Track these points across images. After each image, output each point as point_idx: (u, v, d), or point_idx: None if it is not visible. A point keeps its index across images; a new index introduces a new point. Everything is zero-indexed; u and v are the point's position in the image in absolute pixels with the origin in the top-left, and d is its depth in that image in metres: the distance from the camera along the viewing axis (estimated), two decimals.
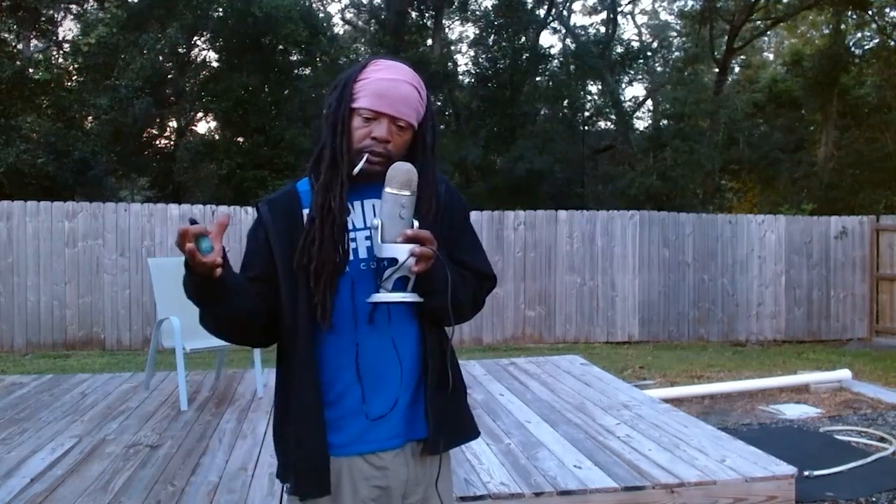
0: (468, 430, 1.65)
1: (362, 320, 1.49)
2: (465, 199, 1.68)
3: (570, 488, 3.17)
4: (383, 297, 1.43)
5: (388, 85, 1.48)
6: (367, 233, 1.51)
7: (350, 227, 1.51)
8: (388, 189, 1.40)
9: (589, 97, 20.31)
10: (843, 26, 18.20)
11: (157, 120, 16.55)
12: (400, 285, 1.43)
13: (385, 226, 1.40)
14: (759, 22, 20.00)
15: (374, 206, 1.52)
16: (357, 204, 1.53)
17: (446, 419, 1.55)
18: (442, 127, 20.27)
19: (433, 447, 1.53)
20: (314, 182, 1.52)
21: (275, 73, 15.14)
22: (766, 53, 28.22)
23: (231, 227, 8.82)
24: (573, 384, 5.41)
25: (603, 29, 21.08)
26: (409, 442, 1.54)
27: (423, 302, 1.46)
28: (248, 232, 1.61)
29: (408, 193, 1.40)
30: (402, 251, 1.39)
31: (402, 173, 1.40)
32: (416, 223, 1.43)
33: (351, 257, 1.50)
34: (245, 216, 8.89)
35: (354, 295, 1.48)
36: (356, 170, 1.46)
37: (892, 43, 17.72)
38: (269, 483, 3.29)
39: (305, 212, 1.52)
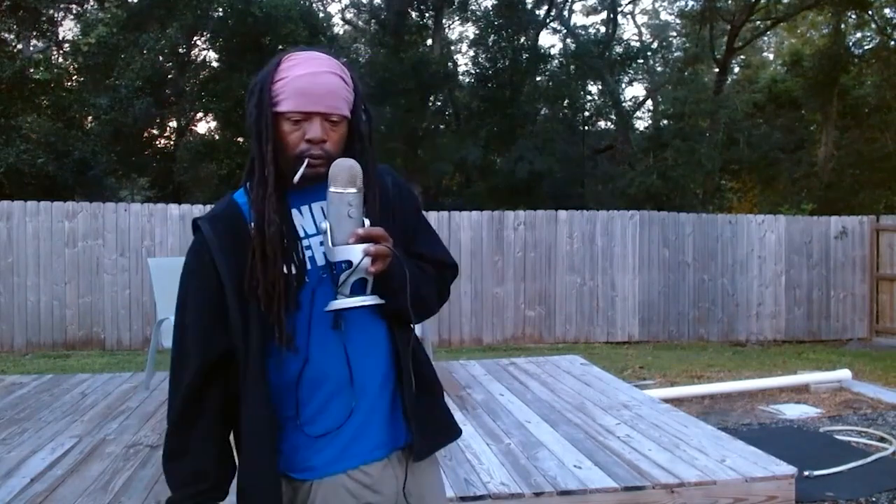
0: (451, 430, 1.58)
1: (320, 332, 1.38)
2: (413, 188, 1.64)
3: (570, 488, 3.17)
4: (341, 303, 1.33)
5: (309, 80, 1.35)
6: (320, 238, 1.41)
7: (301, 234, 1.42)
8: (332, 188, 1.31)
9: (589, 97, 20.31)
10: (843, 26, 18.20)
11: (157, 120, 16.54)
12: (358, 289, 1.35)
13: (334, 228, 1.32)
14: (759, 22, 20.00)
15: (322, 208, 1.42)
16: (305, 209, 1.44)
17: (428, 421, 1.48)
18: (442, 127, 20.31)
19: (420, 452, 1.45)
20: (249, 198, 1.43)
21: None
22: (766, 53, 28.24)
23: None
24: (573, 384, 5.41)
25: (603, 29, 21.09)
26: (395, 451, 1.46)
27: (386, 303, 1.36)
28: (186, 254, 1.49)
29: (353, 190, 1.31)
30: (355, 252, 1.30)
31: (344, 170, 1.31)
32: (367, 221, 1.34)
33: (309, 266, 1.40)
34: None
35: (314, 306, 1.37)
36: (297, 177, 1.35)
37: (893, 43, 17.72)
38: None
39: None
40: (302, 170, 1.36)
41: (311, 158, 1.35)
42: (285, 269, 1.37)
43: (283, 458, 1.42)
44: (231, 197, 1.52)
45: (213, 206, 1.57)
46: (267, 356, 1.38)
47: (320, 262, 1.41)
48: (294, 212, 1.44)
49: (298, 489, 1.42)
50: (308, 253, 1.42)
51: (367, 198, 1.38)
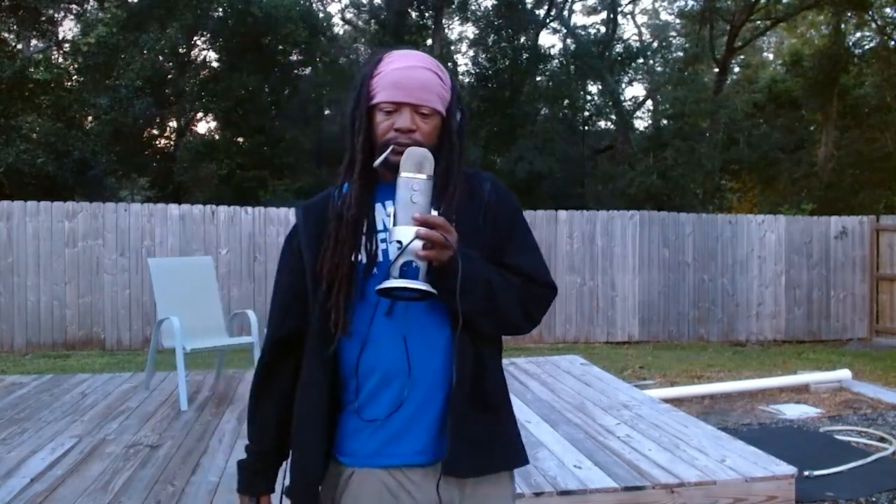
0: (508, 457, 1.48)
1: (381, 324, 1.40)
2: (515, 197, 1.55)
3: (570, 488, 3.17)
4: (389, 283, 1.31)
5: (403, 74, 1.41)
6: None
7: (380, 227, 1.44)
8: (401, 173, 1.32)
9: (589, 97, 20.30)
10: (842, 26, 18.20)
11: (157, 120, 16.54)
12: (414, 274, 1.32)
13: (398, 211, 1.32)
14: (759, 22, 20.00)
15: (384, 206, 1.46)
16: (389, 203, 1.41)
17: (477, 440, 1.40)
18: None
19: (452, 467, 1.37)
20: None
21: (275, 73, 15.15)
22: (765, 53, 28.24)
23: (231, 227, 8.83)
24: (573, 384, 5.41)
25: (603, 29, 21.08)
26: (437, 462, 1.40)
27: (452, 305, 1.34)
28: (285, 238, 1.57)
29: (421, 177, 1.32)
30: (407, 233, 1.29)
31: (413, 156, 1.33)
32: (434, 211, 1.34)
33: (380, 259, 1.42)
34: (245, 216, 8.89)
35: (380, 300, 1.37)
36: (377, 162, 1.39)
37: (893, 43, 17.72)
38: None
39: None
40: (385, 154, 1.39)
41: (397, 146, 1.38)
42: (355, 258, 1.41)
43: (337, 439, 1.46)
44: (332, 189, 1.54)
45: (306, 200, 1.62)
46: (329, 342, 1.41)
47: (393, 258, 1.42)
48: (378, 205, 1.46)
49: (341, 473, 1.44)
50: (382, 246, 1.44)
51: (445, 191, 1.41)
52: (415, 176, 1.32)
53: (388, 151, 1.38)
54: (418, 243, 1.29)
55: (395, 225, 1.32)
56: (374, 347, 1.40)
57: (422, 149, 1.34)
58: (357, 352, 1.40)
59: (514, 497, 1.54)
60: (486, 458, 1.43)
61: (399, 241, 1.30)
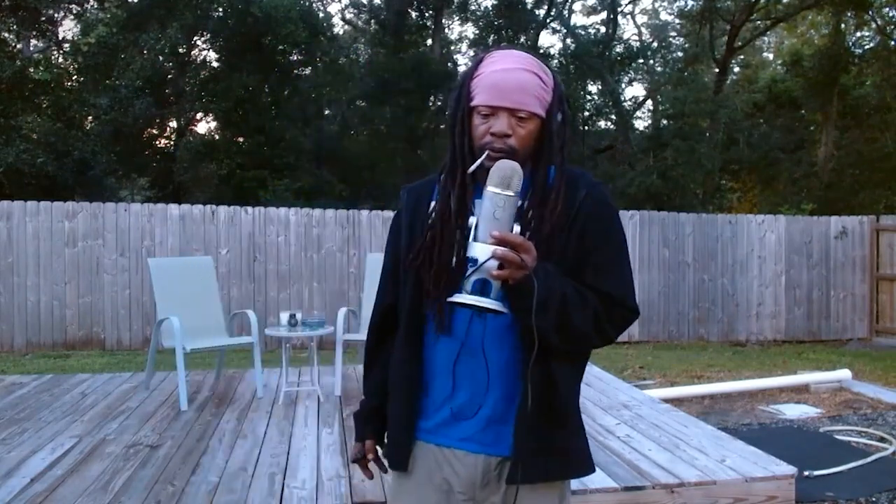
0: (569, 467, 1.51)
1: (473, 323, 1.45)
2: (614, 209, 1.49)
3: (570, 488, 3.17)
4: (459, 298, 1.30)
5: (501, 76, 1.39)
6: None
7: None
8: (487, 187, 1.31)
9: (589, 97, 20.31)
10: (843, 26, 18.20)
11: (157, 120, 16.55)
12: (487, 291, 1.31)
13: (479, 225, 1.31)
14: (759, 22, 20.00)
15: None
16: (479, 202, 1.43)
17: (538, 448, 1.44)
18: (442, 127, 20.30)
19: (513, 472, 1.44)
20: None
21: (275, 73, 15.15)
22: (765, 53, 28.23)
23: (231, 227, 8.83)
24: None
25: (603, 29, 21.09)
26: (489, 456, 1.48)
27: (519, 319, 1.36)
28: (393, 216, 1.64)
29: (506, 193, 1.29)
30: (483, 251, 1.28)
31: (500, 171, 1.30)
32: (517, 228, 1.33)
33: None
34: (245, 216, 8.89)
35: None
36: (472, 168, 1.39)
37: (893, 43, 17.72)
38: (268, 483, 3.29)
39: (433, 203, 1.50)
40: (479, 161, 1.39)
41: (492, 151, 1.38)
42: (455, 256, 1.42)
43: (418, 415, 1.55)
44: (436, 174, 1.54)
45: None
46: (421, 335, 1.51)
47: None
48: (477, 202, 1.44)
49: (414, 445, 1.55)
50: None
51: (540, 203, 1.41)
52: (500, 192, 1.29)
53: (483, 157, 1.38)
54: (493, 263, 1.27)
55: (475, 239, 1.30)
56: (468, 352, 1.45)
57: (512, 163, 1.31)
58: (455, 354, 1.47)
59: (563, 501, 1.56)
60: (540, 469, 1.45)
61: (475, 259, 1.29)
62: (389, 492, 1.64)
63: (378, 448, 1.62)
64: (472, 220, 1.32)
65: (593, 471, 1.56)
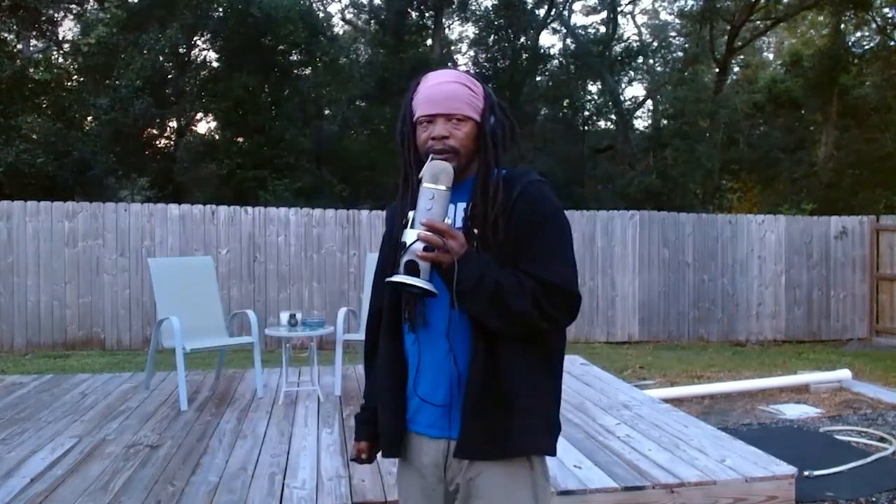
0: (511, 448, 1.59)
1: (440, 315, 1.59)
2: (549, 204, 1.61)
3: (570, 488, 3.17)
4: (393, 278, 1.47)
5: (434, 89, 1.59)
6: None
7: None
8: (422, 183, 1.48)
9: (589, 97, 20.31)
10: (843, 26, 18.20)
11: (157, 120, 16.52)
12: (417, 273, 1.47)
13: (415, 217, 1.47)
14: (759, 22, 20.00)
15: (455, 207, 1.61)
16: (449, 207, 1.58)
17: (481, 428, 1.55)
18: None
19: (459, 452, 1.58)
20: None
21: (275, 73, 15.13)
22: (766, 53, 28.23)
23: (231, 227, 8.83)
24: (573, 384, 5.41)
25: (603, 29, 21.08)
26: (450, 439, 1.61)
27: (458, 305, 1.50)
28: None
29: (438, 187, 1.47)
30: (410, 234, 1.45)
31: (431, 168, 1.49)
32: (449, 220, 1.51)
33: None
34: (245, 216, 8.89)
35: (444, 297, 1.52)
36: (421, 173, 1.52)
37: (892, 43, 17.71)
38: (268, 483, 3.29)
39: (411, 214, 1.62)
40: (426, 165, 1.53)
41: (435, 153, 1.55)
42: None
43: (401, 406, 1.69)
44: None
45: None
46: (398, 318, 1.67)
47: None
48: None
49: (403, 434, 1.71)
50: None
51: (483, 193, 1.57)
52: (431, 186, 1.48)
53: (428, 161, 1.54)
54: (419, 245, 1.44)
55: (411, 227, 1.47)
56: (436, 342, 1.61)
57: (442, 162, 1.51)
58: (424, 345, 1.63)
59: (532, 485, 1.62)
60: (483, 446, 1.57)
61: (404, 242, 1.46)
62: (396, 477, 1.81)
63: (372, 448, 1.78)
64: (411, 213, 1.50)
65: (548, 452, 1.64)
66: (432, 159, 1.53)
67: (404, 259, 1.46)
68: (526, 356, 1.58)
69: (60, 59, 15.26)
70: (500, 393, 1.55)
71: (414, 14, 18.47)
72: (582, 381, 5.54)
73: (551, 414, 1.65)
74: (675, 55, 22.73)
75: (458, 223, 1.59)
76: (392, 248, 1.64)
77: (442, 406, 1.60)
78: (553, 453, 1.66)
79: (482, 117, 1.60)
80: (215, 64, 16.39)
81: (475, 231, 1.56)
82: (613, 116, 20.60)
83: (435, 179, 1.48)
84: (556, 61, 20.17)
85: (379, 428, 1.72)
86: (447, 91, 1.58)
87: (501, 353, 1.55)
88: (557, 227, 1.60)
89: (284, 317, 5.20)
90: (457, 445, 1.58)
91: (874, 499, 3.75)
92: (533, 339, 1.58)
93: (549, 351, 1.63)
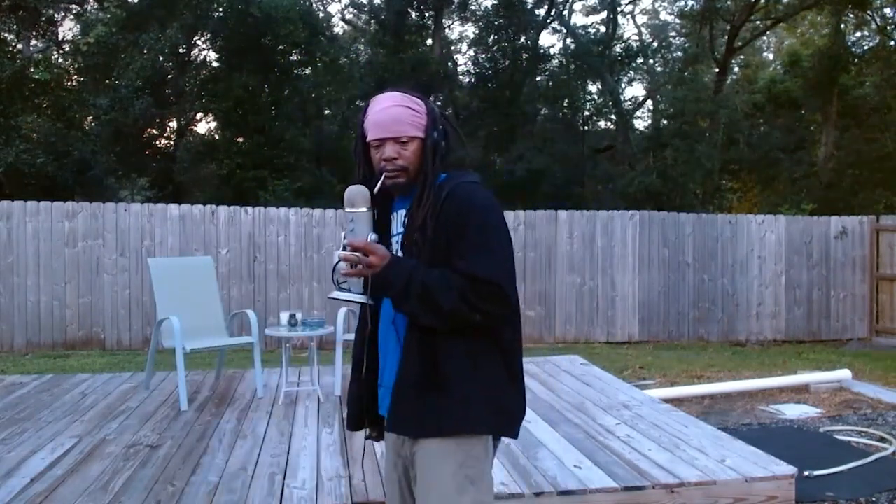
0: (440, 426, 1.73)
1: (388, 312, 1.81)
2: (475, 203, 1.74)
3: (570, 488, 3.17)
4: (332, 293, 1.74)
5: (379, 115, 1.76)
6: (400, 237, 1.79)
7: (393, 231, 1.83)
8: (344, 208, 1.69)
9: (589, 97, 20.29)
10: (843, 26, 18.19)
11: (157, 120, 16.52)
12: (348, 288, 1.73)
13: (345, 238, 1.68)
14: (759, 22, 19.99)
15: (399, 215, 1.81)
16: (400, 213, 1.81)
17: (408, 410, 1.74)
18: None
19: (388, 425, 1.79)
20: None
21: (275, 73, 15.13)
22: (765, 53, 28.23)
23: (231, 227, 8.83)
24: (573, 384, 5.41)
25: (603, 29, 21.07)
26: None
27: (395, 308, 1.72)
28: None
29: (358, 210, 1.67)
30: (335, 255, 1.67)
31: (346, 193, 1.67)
32: (372, 236, 1.68)
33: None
34: (245, 216, 8.89)
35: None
36: (375, 189, 1.71)
37: (892, 43, 17.71)
38: (268, 483, 3.29)
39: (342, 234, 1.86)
40: (379, 183, 1.73)
41: (387, 172, 1.74)
42: None
43: (371, 391, 1.93)
44: None
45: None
46: (366, 325, 1.88)
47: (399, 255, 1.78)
48: (394, 214, 1.84)
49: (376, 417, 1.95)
50: (394, 248, 1.81)
51: (420, 202, 1.73)
52: (351, 210, 1.67)
53: (381, 179, 1.73)
54: (343, 264, 1.66)
55: (339, 249, 1.67)
56: (392, 333, 1.81)
57: (357, 187, 1.69)
58: (383, 336, 1.85)
59: (460, 463, 1.73)
60: (413, 426, 1.75)
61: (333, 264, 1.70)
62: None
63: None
64: (342, 234, 1.70)
65: (492, 433, 1.79)
66: (385, 178, 1.73)
67: (334, 277, 1.70)
68: (469, 346, 1.72)
69: (60, 59, 15.25)
70: (434, 377, 1.71)
71: (414, 14, 18.47)
72: (582, 381, 5.54)
73: (504, 399, 1.78)
74: (675, 55, 22.72)
75: (401, 228, 1.79)
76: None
77: (392, 388, 1.78)
78: (513, 435, 1.84)
79: (426, 133, 1.77)
80: (215, 64, 16.39)
81: (413, 234, 1.73)
82: (613, 116, 20.60)
83: (352, 204, 1.67)
84: (556, 61, 20.16)
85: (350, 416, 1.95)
86: (392, 115, 1.74)
87: (440, 343, 1.71)
88: (482, 223, 1.72)
89: (284, 317, 5.20)
90: (387, 421, 1.78)
91: (874, 499, 3.75)
92: (475, 331, 1.71)
93: (498, 341, 1.76)
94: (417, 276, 1.65)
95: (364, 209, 1.67)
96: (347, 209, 1.67)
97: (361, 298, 1.68)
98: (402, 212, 1.81)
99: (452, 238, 1.69)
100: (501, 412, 1.78)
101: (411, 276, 1.65)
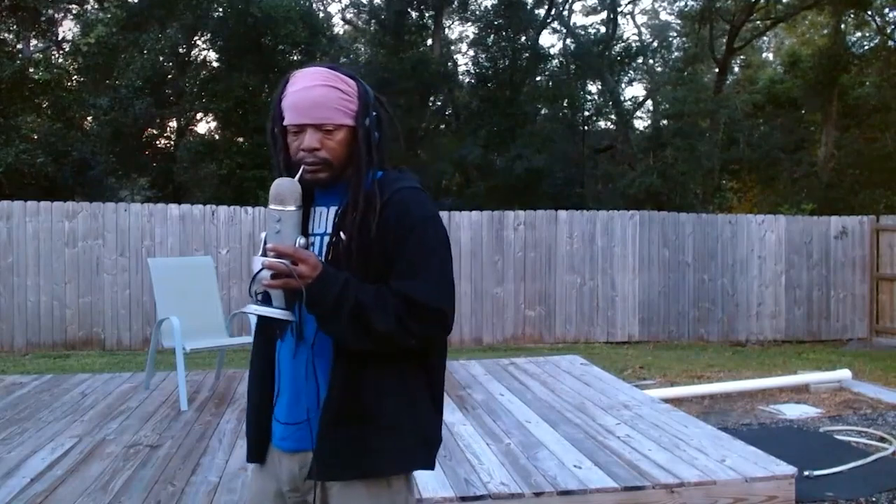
0: (366, 467, 1.50)
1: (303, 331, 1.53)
2: (416, 213, 1.50)
3: (570, 488, 3.17)
4: (247, 308, 1.40)
5: (301, 95, 1.45)
6: (324, 238, 1.52)
7: (310, 230, 1.53)
8: (269, 205, 1.39)
9: (589, 97, 20.30)
10: (843, 26, 18.19)
11: (157, 120, 16.54)
12: (269, 301, 1.43)
13: (266, 241, 1.39)
14: (758, 22, 20.00)
15: (322, 212, 1.54)
16: (321, 210, 1.54)
17: (335, 447, 1.48)
18: (442, 127, 20.30)
19: (311, 471, 1.50)
20: None
21: (275, 73, 15.13)
22: (765, 54, 28.23)
23: (231, 227, 8.83)
24: (573, 384, 5.41)
25: (603, 29, 21.07)
26: (302, 452, 1.54)
27: (319, 326, 1.45)
28: None
29: (287, 208, 1.37)
30: (256, 263, 1.37)
31: (275, 188, 1.39)
32: (301, 240, 1.39)
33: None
34: (245, 216, 8.89)
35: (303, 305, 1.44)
36: (295, 180, 1.46)
37: (892, 43, 17.72)
38: None
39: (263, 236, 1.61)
40: (298, 175, 1.44)
41: (306, 165, 1.45)
42: None
43: (265, 415, 1.66)
44: None
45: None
46: (270, 331, 1.62)
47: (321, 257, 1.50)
48: (313, 211, 1.55)
49: (267, 443, 1.67)
50: (314, 249, 1.52)
51: (351, 205, 1.47)
52: (277, 208, 1.37)
53: (300, 172, 1.44)
54: (265, 273, 1.36)
55: (263, 255, 1.38)
56: (298, 356, 1.53)
57: (287, 180, 1.40)
58: (285, 359, 1.57)
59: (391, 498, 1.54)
60: (336, 467, 1.49)
61: (252, 272, 1.39)
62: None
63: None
64: (263, 235, 1.41)
65: (422, 467, 1.57)
66: (304, 171, 1.44)
67: (253, 289, 1.41)
68: (397, 372, 1.50)
69: (60, 59, 15.26)
70: (362, 411, 1.47)
71: (414, 14, 18.48)
72: (582, 381, 5.53)
73: (428, 429, 1.57)
74: (674, 55, 22.74)
75: (329, 228, 1.51)
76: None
77: (296, 423, 1.53)
78: (430, 467, 1.59)
79: (356, 120, 1.48)
80: (215, 64, 16.41)
81: (342, 237, 1.47)
82: (613, 116, 20.61)
83: (280, 201, 1.37)
84: (556, 61, 20.17)
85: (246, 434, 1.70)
86: (315, 98, 1.44)
87: (367, 370, 1.47)
88: (423, 237, 1.49)
89: None
90: (311, 466, 1.49)
91: (874, 499, 3.75)
92: (404, 355, 1.49)
93: (426, 365, 1.56)
94: (351, 291, 1.40)
95: (293, 208, 1.38)
96: (273, 207, 1.37)
97: (284, 315, 1.39)
98: (325, 209, 1.53)
99: (391, 251, 1.46)
100: (426, 443, 1.58)
101: (344, 291, 1.39)
